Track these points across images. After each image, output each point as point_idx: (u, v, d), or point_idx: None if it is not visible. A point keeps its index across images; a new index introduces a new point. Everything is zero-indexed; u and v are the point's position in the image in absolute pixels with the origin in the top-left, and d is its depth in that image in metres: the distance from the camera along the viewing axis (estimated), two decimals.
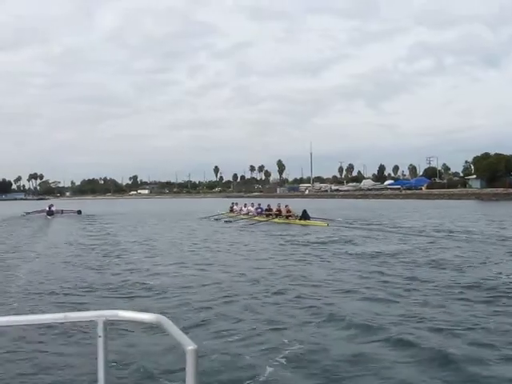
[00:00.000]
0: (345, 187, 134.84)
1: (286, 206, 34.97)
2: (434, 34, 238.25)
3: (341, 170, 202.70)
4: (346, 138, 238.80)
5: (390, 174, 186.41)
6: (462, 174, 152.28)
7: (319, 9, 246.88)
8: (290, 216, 33.72)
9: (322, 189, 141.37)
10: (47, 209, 49.59)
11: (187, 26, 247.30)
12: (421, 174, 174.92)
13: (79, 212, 50.68)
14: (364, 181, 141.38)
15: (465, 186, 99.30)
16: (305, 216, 32.23)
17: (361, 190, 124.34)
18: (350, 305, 9.91)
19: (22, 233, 29.97)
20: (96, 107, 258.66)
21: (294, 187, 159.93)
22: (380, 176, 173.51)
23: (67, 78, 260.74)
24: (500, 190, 78.83)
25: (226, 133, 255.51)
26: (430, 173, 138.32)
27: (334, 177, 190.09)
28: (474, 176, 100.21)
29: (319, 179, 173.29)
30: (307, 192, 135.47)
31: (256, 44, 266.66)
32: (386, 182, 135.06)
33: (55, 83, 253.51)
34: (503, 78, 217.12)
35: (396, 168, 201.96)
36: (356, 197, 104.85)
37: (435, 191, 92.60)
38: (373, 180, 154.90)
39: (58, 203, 59.66)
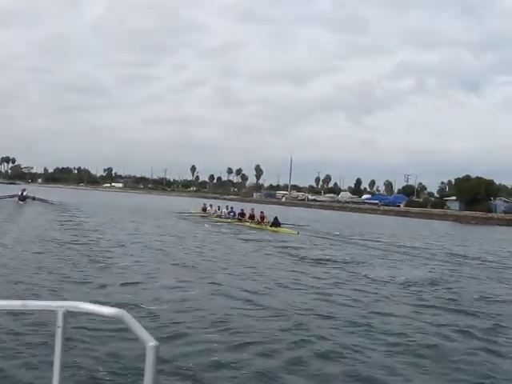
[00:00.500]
0: (322, 198, 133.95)
1: (262, 213, 35.64)
2: (419, 54, 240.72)
3: (317, 180, 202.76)
4: (325, 149, 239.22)
5: (365, 188, 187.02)
6: (436, 195, 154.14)
7: (309, 18, 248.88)
8: (262, 222, 34.64)
9: (299, 197, 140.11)
10: (19, 193, 47.84)
11: (173, 22, 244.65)
12: (396, 190, 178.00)
13: (57, 203, 48.88)
14: (342, 193, 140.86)
15: (442, 207, 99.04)
16: (276, 223, 33.06)
17: (338, 201, 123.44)
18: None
19: None
20: (76, 96, 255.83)
21: (270, 193, 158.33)
22: (357, 189, 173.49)
23: (49, 64, 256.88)
24: (479, 214, 78.56)
25: (204, 132, 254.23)
26: (408, 190, 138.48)
27: (311, 186, 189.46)
28: (454, 197, 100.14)
29: (295, 187, 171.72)
30: (284, 199, 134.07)
31: (242, 47, 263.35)
32: (364, 196, 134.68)
33: (37, 68, 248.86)
34: (482, 103, 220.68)
35: (372, 183, 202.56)
36: (333, 208, 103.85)
37: (413, 210, 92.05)
38: (350, 193, 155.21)
39: (29, 189, 56.82)
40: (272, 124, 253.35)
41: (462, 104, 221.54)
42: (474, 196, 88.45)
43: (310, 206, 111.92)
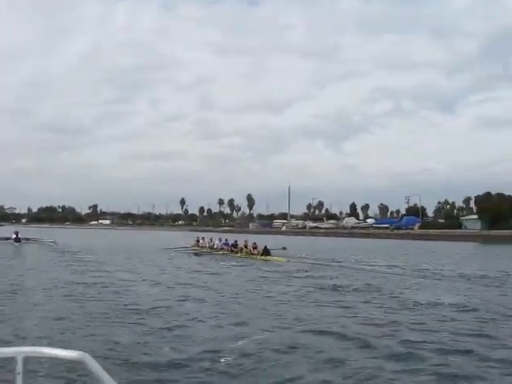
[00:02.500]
0: (325, 225, 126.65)
1: (254, 243, 35.81)
2: (393, 77, 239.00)
3: (309, 206, 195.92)
4: (309, 177, 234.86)
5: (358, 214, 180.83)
6: (431, 214, 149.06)
7: (283, 48, 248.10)
8: (253, 252, 34.78)
9: (299, 225, 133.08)
10: (14, 236, 48.65)
11: (150, 59, 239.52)
12: (389, 213, 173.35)
13: (54, 242, 47.91)
14: (346, 218, 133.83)
15: (460, 227, 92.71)
16: (266, 252, 33.68)
17: (344, 228, 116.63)
18: None
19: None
20: (56, 136, 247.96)
21: (267, 223, 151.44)
22: (353, 214, 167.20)
23: (28, 105, 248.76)
24: (507, 233, 72.19)
25: (187, 166, 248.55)
26: (412, 212, 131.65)
27: (306, 213, 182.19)
28: (475, 216, 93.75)
29: (285, 215, 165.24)
30: (284, 228, 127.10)
31: (219, 79, 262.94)
32: (369, 221, 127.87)
33: (15, 110, 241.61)
34: (458, 123, 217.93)
35: (366, 207, 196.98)
36: (342, 235, 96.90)
37: (432, 232, 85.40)
38: (346, 217, 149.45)
39: (17, 230, 54.91)
40: (253, 154, 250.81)
41: (438, 125, 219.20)
42: (497, 214, 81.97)
43: (313, 234, 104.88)
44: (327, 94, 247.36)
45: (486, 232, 76.90)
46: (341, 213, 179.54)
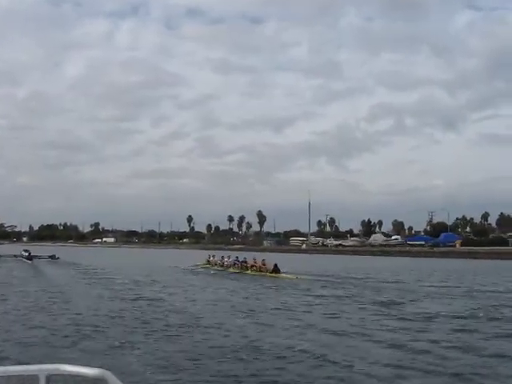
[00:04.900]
0: (349, 242, 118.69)
1: (263, 260, 36.90)
2: (395, 94, 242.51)
3: (320, 223, 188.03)
4: (311, 194, 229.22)
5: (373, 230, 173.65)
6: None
7: (285, 66, 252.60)
8: (262, 269, 35.69)
9: (320, 243, 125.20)
10: (26, 254, 48.88)
11: (153, 76, 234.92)
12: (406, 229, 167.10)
13: (53, 257, 49.14)
14: (374, 235, 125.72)
15: (505, 244, 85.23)
16: (276, 270, 34.54)
17: (371, 245, 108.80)
18: None
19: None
20: (58, 153, 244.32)
21: (281, 240, 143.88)
22: (368, 231, 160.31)
23: (31, 122, 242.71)
24: None
25: (190, 183, 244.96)
26: (438, 229, 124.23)
27: (320, 231, 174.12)
28: None
29: (298, 233, 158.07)
30: (304, 246, 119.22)
31: (222, 96, 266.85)
32: (394, 237, 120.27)
33: (18, 126, 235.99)
34: (460, 139, 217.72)
35: (380, 223, 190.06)
36: (373, 253, 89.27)
37: (480, 249, 77.53)
38: (362, 234, 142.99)
39: (17, 249, 57.27)
40: (256, 171, 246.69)
41: (440, 141, 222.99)
42: None
43: (339, 253, 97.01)
44: (329, 111, 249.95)
45: None
46: (351, 230, 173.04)
